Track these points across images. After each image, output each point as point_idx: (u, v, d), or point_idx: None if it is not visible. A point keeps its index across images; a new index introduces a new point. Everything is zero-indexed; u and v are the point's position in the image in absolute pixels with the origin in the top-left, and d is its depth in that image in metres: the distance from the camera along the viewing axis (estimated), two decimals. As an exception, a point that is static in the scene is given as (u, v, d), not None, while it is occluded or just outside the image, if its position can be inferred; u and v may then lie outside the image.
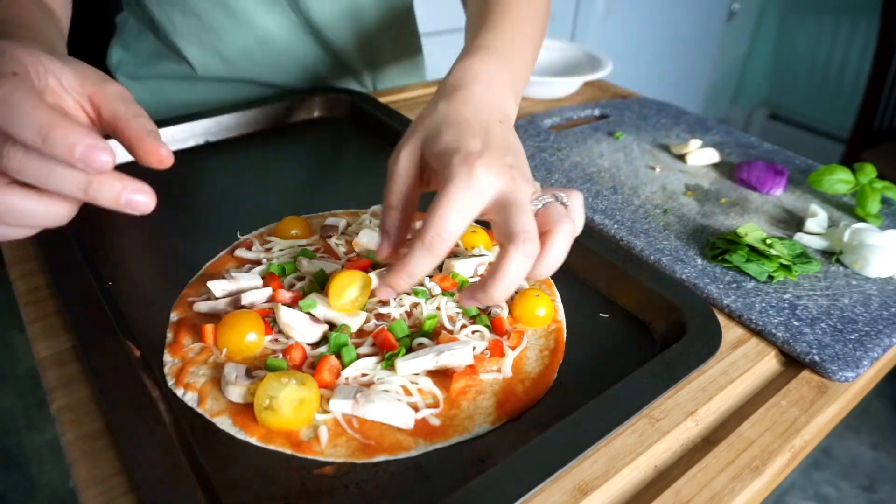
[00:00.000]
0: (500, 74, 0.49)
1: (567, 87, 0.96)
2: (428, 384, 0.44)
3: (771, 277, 0.56)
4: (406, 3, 0.94)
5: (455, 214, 0.39)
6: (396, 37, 0.95)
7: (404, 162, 0.44)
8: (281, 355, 0.46)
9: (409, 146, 0.44)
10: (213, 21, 0.80)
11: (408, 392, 0.44)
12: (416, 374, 0.45)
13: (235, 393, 0.42)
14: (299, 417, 0.41)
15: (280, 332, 0.47)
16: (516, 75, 0.51)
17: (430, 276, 0.53)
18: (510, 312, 0.51)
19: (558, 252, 0.40)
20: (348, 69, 0.92)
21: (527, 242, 0.38)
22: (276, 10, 0.81)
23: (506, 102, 0.48)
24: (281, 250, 0.56)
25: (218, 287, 0.51)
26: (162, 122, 0.74)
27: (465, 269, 0.53)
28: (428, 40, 1.06)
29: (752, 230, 0.59)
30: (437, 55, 1.09)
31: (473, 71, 0.48)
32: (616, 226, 0.63)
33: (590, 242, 0.57)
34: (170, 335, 0.48)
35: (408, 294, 0.51)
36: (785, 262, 0.57)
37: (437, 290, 0.52)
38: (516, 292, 0.53)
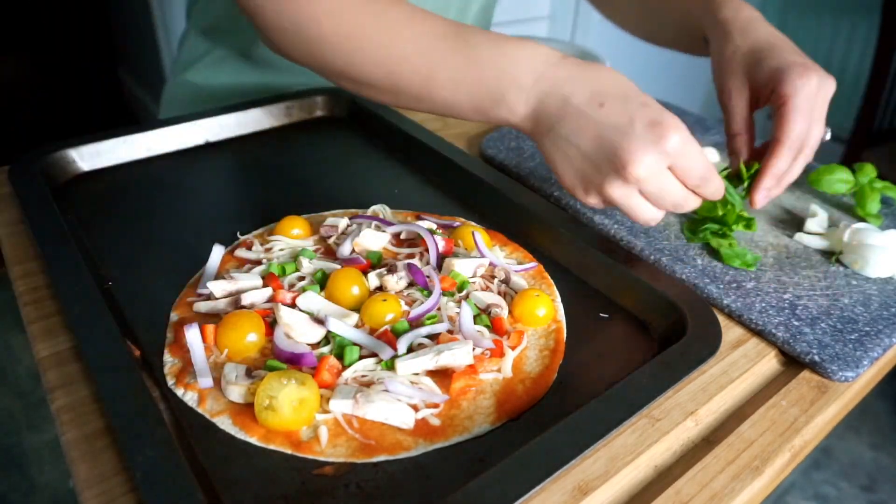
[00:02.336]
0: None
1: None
2: (429, 384, 0.44)
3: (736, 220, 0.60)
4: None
5: (817, 115, 0.55)
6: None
7: (736, 94, 0.59)
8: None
9: (735, 80, 0.59)
10: None
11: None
12: (416, 374, 0.45)
13: (235, 393, 0.42)
14: (299, 417, 0.41)
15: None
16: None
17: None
18: (510, 312, 0.51)
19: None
20: None
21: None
22: None
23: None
24: (281, 250, 0.56)
25: (218, 287, 0.51)
26: (162, 123, 0.74)
27: (466, 268, 0.53)
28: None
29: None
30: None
31: (744, 14, 0.61)
32: (616, 226, 0.63)
33: (590, 242, 0.57)
34: (170, 335, 0.48)
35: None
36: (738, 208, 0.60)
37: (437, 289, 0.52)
38: (516, 293, 0.53)
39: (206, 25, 0.88)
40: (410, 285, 0.52)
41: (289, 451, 0.40)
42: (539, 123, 0.50)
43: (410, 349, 0.46)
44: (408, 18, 0.52)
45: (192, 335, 0.45)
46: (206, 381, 0.43)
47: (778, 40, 0.59)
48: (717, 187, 0.51)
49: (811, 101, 0.56)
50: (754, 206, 0.59)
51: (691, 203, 0.51)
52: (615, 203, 0.50)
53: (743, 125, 0.60)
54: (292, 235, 0.58)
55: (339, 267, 0.53)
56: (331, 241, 0.58)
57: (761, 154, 0.59)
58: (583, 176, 0.50)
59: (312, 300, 0.49)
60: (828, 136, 0.59)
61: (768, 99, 0.58)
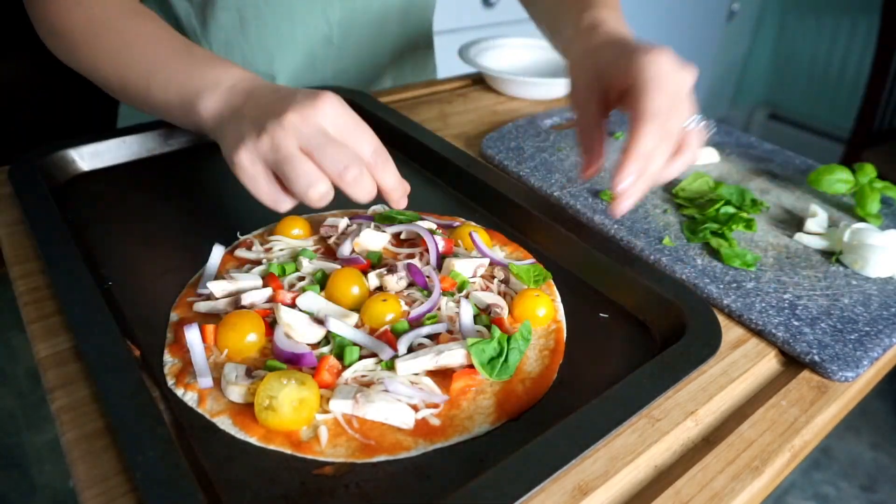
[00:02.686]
0: (616, 14, 0.61)
1: (562, 88, 0.96)
2: (429, 384, 0.44)
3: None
4: (426, 21, 0.97)
5: (677, 96, 0.49)
6: (414, 55, 0.99)
7: (583, 94, 0.54)
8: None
9: (582, 81, 0.55)
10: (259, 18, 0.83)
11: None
12: (416, 374, 0.45)
13: (235, 393, 0.42)
14: (299, 417, 0.41)
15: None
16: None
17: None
18: (510, 312, 0.51)
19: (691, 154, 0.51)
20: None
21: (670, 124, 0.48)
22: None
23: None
24: (281, 250, 0.56)
25: (218, 287, 0.51)
26: (162, 123, 0.74)
27: (466, 268, 0.53)
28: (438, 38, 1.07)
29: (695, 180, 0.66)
30: (441, 54, 1.09)
31: (600, 18, 0.59)
32: (616, 226, 0.63)
33: (590, 242, 0.57)
34: (170, 335, 0.48)
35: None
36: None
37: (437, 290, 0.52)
38: (516, 293, 0.53)
39: None
40: (410, 285, 0.52)
41: (289, 451, 0.40)
42: (220, 118, 0.53)
43: (410, 349, 0.46)
44: (144, 31, 0.61)
45: (192, 335, 0.45)
46: (206, 381, 0.43)
47: (629, 36, 0.55)
48: (393, 176, 0.50)
49: (666, 78, 0.49)
50: (616, 203, 0.49)
51: (365, 172, 0.48)
52: (272, 162, 0.47)
53: (592, 121, 0.54)
54: (292, 235, 0.58)
55: (339, 267, 0.53)
56: (331, 241, 0.58)
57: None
58: (241, 138, 0.48)
59: (312, 300, 0.49)
60: (712, 130, 0.56)
61: (621, 96, 0.53)
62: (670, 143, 0.49)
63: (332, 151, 0.47)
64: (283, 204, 0.49)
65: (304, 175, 0.46)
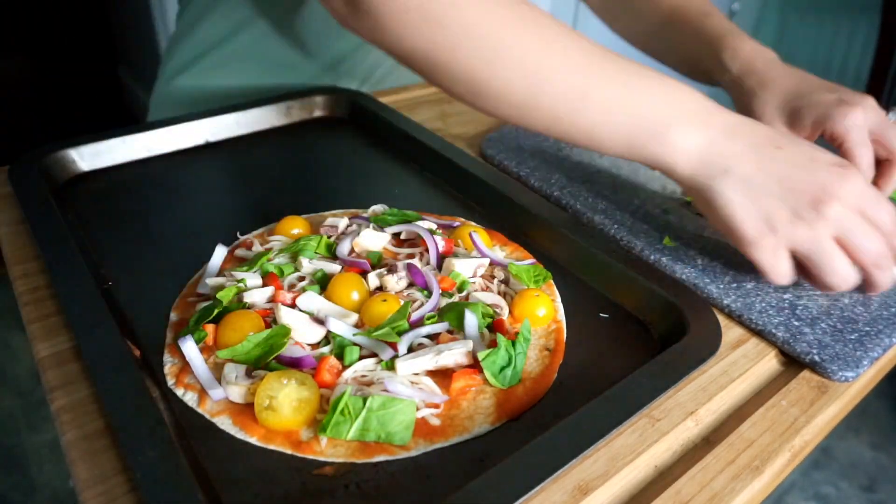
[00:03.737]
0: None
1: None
2: (429, 384, 0.44)
3: None
4: None
5: (877, 132, 0.56)
6: None
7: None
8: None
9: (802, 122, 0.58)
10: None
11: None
12: (416, 374, 0.45)
13: (235, 393, 0.42)
14: (299, 417, 0.41)
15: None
16: None
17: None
18: (510, 312, 0.51)
19: None
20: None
21: None
22: None
23: None
24: (281, 251, 0.56)
25: (218, 287, 0.51)
26: (162, 123, 0.74)
27: (465, 268, 0.53)
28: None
29: None
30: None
31: (750, 50, 0.64)
32: (616, 226, 0.63)
33: (590, 242, 0.57)
34: (170, 335, 0.48)
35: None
36: None
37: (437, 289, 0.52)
38: (516, 293, 0.53)
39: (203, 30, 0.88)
40: (410, 285, 0.52)
41: (289, 451, 0.40)
42: (710, 166, 0.47)
43: (410, 349, 0.46)
44: (558, 30, 0.48)
45: (189, 349, 0.45)
46: (218, 394, 0.43)
47: (803, 81, 0.59)
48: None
49: (863, 131, 0.56)
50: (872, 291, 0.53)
51: (890, 259, 0.47)
52: (805, 252, 0.46)
53: None
54: (292, 235, 0.58)
55: (339, 267, 0.53)
56: (331, 241, 0.58)
57: None
58: (768, 219, 0.46)
59: (312, 300, 0.49)
60: None
61: (813, 138, 0.58)
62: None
63: (867, 242, 0.46)
64: (788, 281, 0.49)
65: (838, 271, 0.46)
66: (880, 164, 0.57)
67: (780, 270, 0.48)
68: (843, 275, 0.47)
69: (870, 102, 0.56)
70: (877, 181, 0.58)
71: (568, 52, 0.48)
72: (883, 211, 0.47)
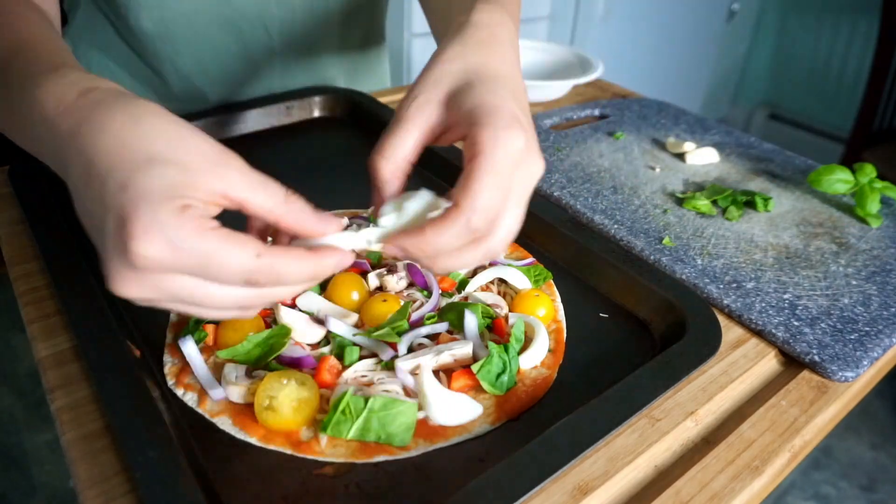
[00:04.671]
0: (509, 23, 0.44)
1: (557, 90, 0.96)
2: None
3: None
4: (375, 22, 0.91)
5: (513, 199, 0.37)
6: (362, 40, 0.93)
7: (426, 110, 0.40)
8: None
9: (431, 93, 0.40)
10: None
11: (408, 392, 0.44)
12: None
13: (235, 393, 0.42)
14: (299, 417, 0.41)
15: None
16: (517, 27, 0.47)
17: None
18: (510, 312, 0.51)
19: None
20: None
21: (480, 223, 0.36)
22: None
23: (517, 54, 0.44)
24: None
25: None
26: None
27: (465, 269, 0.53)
28: (421, 41, 1.04)
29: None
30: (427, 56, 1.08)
31: (489, 18, 0.43)
32: (616, 226, 0.63)
33: (590, 242, 0.57)
34: (170, 335, 0.48)
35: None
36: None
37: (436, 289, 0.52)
38: (516, 293, 0.53)
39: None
40: (410, 285, 0.52)
41: (289, 451, 0.40)
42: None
43: (410, 349, 0.46)
44: None
45: (189, 349, 0.45)
46: (218, 394, 0.43)
47: (502, 66, 0.41)
48: (300, 274, 0.34)
49: (510, 171, 0.38)
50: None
51: (264, 297, 0.35)
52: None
53: (402, 162, 0.43)
54: (292, 235, 0.58)
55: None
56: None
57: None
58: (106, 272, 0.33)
59: (312, 300, 0.49)
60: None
61: (451, 140, 0.44)
62: (482, 249, 0.39)
63: (211, 299, 0.33)
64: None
65: (202, 309, 0.34)
66: None
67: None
68: (214, 313, 0.35)
69: (541, 161, 0.40)
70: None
71: None
72: (204, 248, 0.31)
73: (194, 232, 0.31)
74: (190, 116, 0.75)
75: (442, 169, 0.71)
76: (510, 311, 0.51)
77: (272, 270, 0.33)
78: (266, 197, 0.35)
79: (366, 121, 0.82)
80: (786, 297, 0.55)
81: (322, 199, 0.66)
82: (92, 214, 0.34)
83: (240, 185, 0.35)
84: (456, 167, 0.69)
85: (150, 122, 0.33)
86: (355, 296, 0.50)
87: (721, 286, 0.56)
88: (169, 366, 0.45)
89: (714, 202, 0.68)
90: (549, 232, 0.60)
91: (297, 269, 0.34)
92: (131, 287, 0.32)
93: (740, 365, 0.49)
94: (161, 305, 0.34)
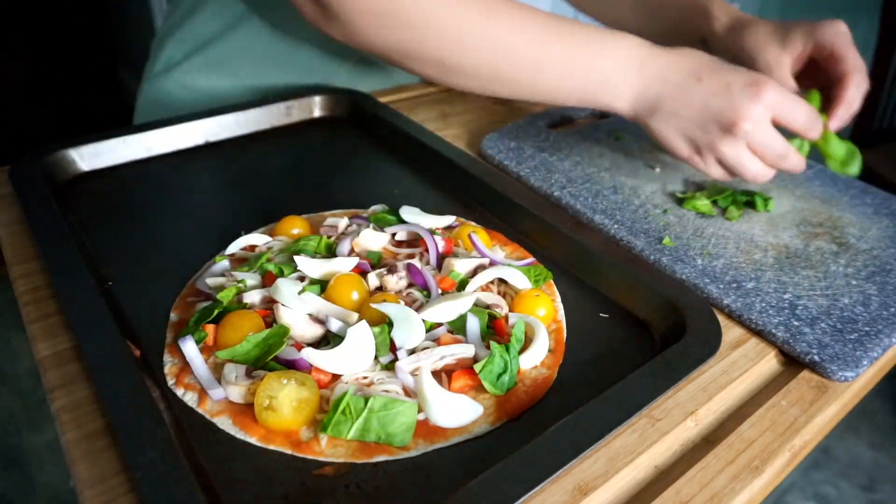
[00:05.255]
0: None
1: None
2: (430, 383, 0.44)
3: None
4: None
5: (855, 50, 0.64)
6: None
7: (775, 64, 0.66)
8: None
9: (770, 53, 0.66)
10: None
11: (408, 393, 0.44)
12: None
13: (235, 393, 0.42)
14: (299, 417, 0.41)
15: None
16: None
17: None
18: (510, 312, 0.51)
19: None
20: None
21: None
22: None
23: None
24: (281, 251, 0.56)
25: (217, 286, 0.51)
26: (162, 123, 0.74)
27: (465, 268, 0.53)
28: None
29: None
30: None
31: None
32: (616, 226, 0.63)
33: (590, 242, 0.57)
34: (170, 335, 0.48)
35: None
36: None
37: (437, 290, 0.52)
38: (516, 293, 0.53)
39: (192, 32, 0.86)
40: (410, 285, 0.52)
41: (289, 451, 0.40)
42: (645, 106, 0.58)
43: (412, 350, 0.46)
44: (511, 9, 0.57)
45: (189, 349, 0.45)
46: (217, 394, 0.43)
47: (784, 21, 0.68)
48: (819, 130, 0.58)
49: (848, 41, 0.64)
50: (832, 127, 0.64)
51: (793, 158, 0.57)
52: (728, 161, 0.57)
53: (793, 87, 0.67)
54: (292, 235, 0.58)
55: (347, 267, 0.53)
56: (331, 241, 0.58)
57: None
58: (695, 143, 0.58)
59: (312, 301, 0.49)
60: None
61: (802, 59, 0.67)
62: (864, 85, 0.65)
63: (769, 149, 0.56)
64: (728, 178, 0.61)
65: (752, 170, 0.58)
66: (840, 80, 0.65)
67: (715, 173, 0.60)
68: (756, 172, 0.58)
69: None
70: (841, 93, 0.64)
71: (523, 28, 0.57)
72: (795, 111, 0.56)
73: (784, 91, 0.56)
74: (190, 116, 0.75)
75: (442, 169, 0.71)
76: (510, 311, 0.51)
77: (816, 121, 0.58)
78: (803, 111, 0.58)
79: (366, 121, 0.82)
80: (786, 297, 0.55)
81: (322, 199, 0.66)
82: (711, 92, 0.55)
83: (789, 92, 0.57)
84: (460, 168, 0.69)
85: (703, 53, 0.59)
86: (355, 296, 0.50)
87: (721, 286, 0.56)
88: (169, 366, 0.45)
89: (714, 202, 0.68)
90: (549, 232, 0.60)
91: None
92: (753, 123, 0.55)
93: (740, 365, 0.49)
94: (746, 148, 0.57)
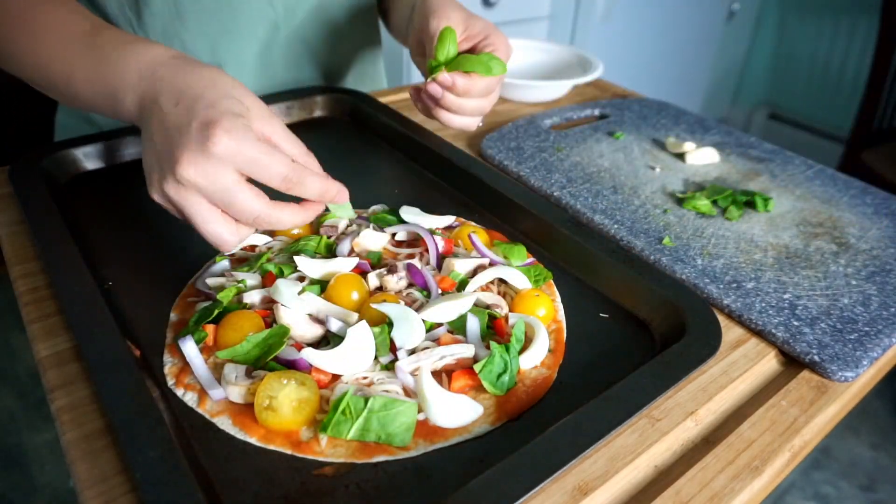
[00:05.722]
0: None
1: (557, 90, 0.96)
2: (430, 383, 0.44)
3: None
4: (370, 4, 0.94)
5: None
6: (360, 37, 0.95)
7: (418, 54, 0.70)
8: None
9: (459, 23, 0.66)
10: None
11: (408, 393, 0.44)
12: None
13: (235, 393, 0.42)
14: (299, 417, 0.41)
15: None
16: None
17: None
18: (510, 312, 0.51)
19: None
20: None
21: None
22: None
23: None
24: (281, 250, 0.56)
25: (217, 286, 0.51)
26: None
27: (465, 268, 0.53)
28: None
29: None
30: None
31: None
32: (616, 226, 0.63)
33: (590, 242, 0.57)
34: (170, 335, 0.48)
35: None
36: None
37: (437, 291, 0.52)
38: (516, 293, 0.53)
39: None
40: (410, 286, 0.52)
41: (289, 452, 0.40)
42: (140, 120, 0.50)
43: (412, 350, 0.46)
44: (53, 21, 0.56)
45: (189, 349, 0.45)
46: (217, 394, 0.43)
47: (465, 10, 0.69)
48: (315, 189, 0.48)
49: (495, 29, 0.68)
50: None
51: (279, 216, 0.47)
52: (178, 206, 0.46)
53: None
54: (292, 235, 0.58)
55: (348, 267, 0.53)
56: (331, 241, 0.58)
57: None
58: (151, 171, 0.47)
59: (312, 301, 0.49)
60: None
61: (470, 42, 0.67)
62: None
63: (239, 204, 0.45)
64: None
65: (209, 233, 0.46)
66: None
67: (162, 203, 0.48)
68: (217, 232, 0.46)
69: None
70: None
71: (55, 42, 0.55)
72: (264, 165, 0.45)
73: (255, 138, 0.45)
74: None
75: (442, 169, 0.71)
76: (510, 311, 0.51)
77: (302, 174, 0.47)
78: (293, 145, 0.49)
79: (366, 121, 0.82)
80: (786, 297, 0.55)
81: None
82: (174, 123, 0.45)
83: (281, 132, 0.49)
84: (459, 168, 0.69)
85: (228, 76, 0.49)
86: (355, 296, 0.50)
87: (721, 286, 0.56)
88: (169, 366, 0.45)
89: (714, 202, 0.68)
90: (549, 232, 0.60)
91: (315, 181, 0.48)
92: (197, 171, 0.43)
93: (740, 365, 0.49)
94: (202, 199, 0.45)
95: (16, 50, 0.57)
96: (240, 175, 0.44)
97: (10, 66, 0.58)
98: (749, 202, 0.68)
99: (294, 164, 0.46)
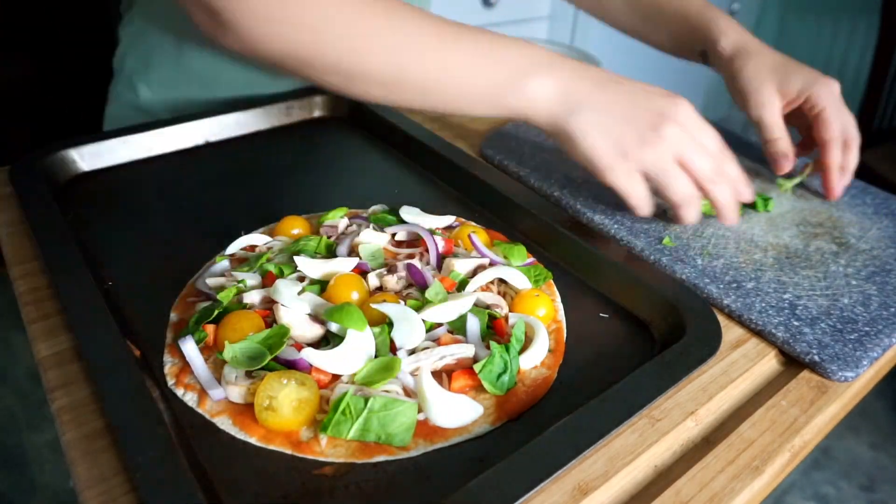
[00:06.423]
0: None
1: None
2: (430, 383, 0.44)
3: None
4: None
5: (845, 111, 0.66)
6: None
7: (769, 104, 0.67)
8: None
9: (766, 92, 0.67)
10: None
11: (408, 393, 0.44)
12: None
13: (235, 393, 0.42)
14: (299, 417, 0.41)
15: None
16: None
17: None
18: (510, 312, 0.51)
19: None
20: None
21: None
22: None
23: None
24: (281, 250, 0.56)
25: (217, 286, 0.51)
26: (162, 123, 0.74)
27: (465, 268, 0.53)
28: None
29: None
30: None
31: (743, 31, 0.72)
32: (616, 226, 0.63)
33: (590, 242, 0.57)
34: (170, 335, 0.48)
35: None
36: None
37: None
38: (516, 293, 0.53)
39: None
40: (410, 286, 0.52)
41: (289, 451, 0.40)
42: (563, 105, 0.53)
43: (411, 350, 0.46)
44: (409, 13, 0.53)
45: (189, 349, 0.45)
46: (217, 394, 0.43)
47: (787, 59, 0.69)
48: (732, 161, 0.56)
49: (839, 105, 0.66)
50: (833, 198, 0.69)
51: (723, 172, 0.55)
52: (652, 172, 0.53)
53: (782, 129, 0.68)
54: (292, 235, 0.58)
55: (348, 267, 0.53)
56: (331, 241, 0.58)
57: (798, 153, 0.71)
58: (619, 145, 0.53)
59: (312, 300, 0.49)
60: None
61: (791, 106, 0.68)
62: (852, 146, 0.68)
63: (700, 160, 0.53)
64: (649, 209, 0.56)
65: (680, 188, 0.54)
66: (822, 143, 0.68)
67: (637, 193, 0.55)
68: (683, 192, 0.54)
69: (837, 83, 0.67)
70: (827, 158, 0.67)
71: (423, 33, 0.53)
72: (708, 136, 0.55)
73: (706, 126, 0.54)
74: (190, 116, 0.75)
75: (442, 169, 0.71)
76: (510, 311, 0.51)
77: (727, 160, 0.56)
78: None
79: (366, 121, 0.82)
80: (786, 297, 0.55)
81: (322, 199, 0.66)
82: (621, 113, 0.52)
83: (711, 135, 0.56)
84: (460, 168, 0.69)
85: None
86: (355, 296, 0.50)
87: (721, 286, 0.56)
88: (169, 366, 0.45)
89: None
90: (549, 232, 0.60)
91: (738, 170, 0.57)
92: (649, 151, 0.52)
93: (740, 365, 0.49)
94: (653, 171, 0.53)
95: (366, 32, 0.52)
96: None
97: (339, 58, 0.53)
98: (749, 202, 0.68)
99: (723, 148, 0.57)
